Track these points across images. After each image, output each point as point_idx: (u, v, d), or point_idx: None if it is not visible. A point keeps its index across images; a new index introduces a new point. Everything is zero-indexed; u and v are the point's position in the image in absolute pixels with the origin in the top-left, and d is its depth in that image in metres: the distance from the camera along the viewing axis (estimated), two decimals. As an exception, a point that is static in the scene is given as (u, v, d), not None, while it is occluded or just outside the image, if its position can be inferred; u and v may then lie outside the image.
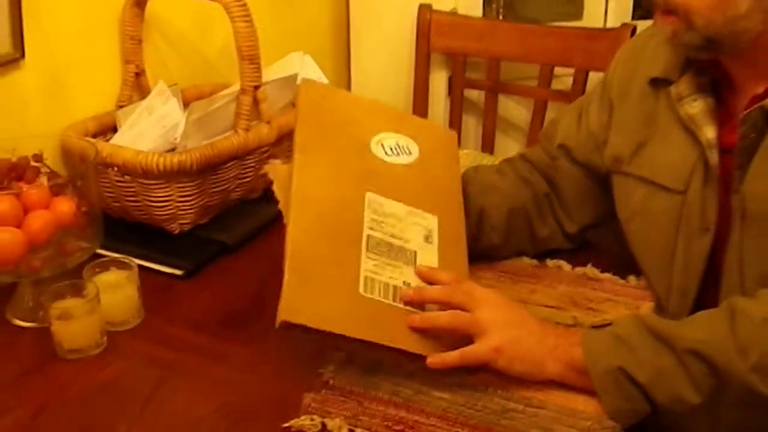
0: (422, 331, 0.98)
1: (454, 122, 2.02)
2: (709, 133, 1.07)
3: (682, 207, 1.11)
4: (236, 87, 1.38)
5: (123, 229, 1.31)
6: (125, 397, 1.02)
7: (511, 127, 2.13)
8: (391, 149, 1.14)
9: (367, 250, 1.02)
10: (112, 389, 1.03)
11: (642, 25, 1.58)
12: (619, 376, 0.95)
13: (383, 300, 0.98)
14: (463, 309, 0.99)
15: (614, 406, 0.95)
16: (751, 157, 1.03)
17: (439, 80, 2.05)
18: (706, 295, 1.11)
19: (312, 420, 0.94)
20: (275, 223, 1.40)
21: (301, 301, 0.94)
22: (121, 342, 1.11)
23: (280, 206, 1.07)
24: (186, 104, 1.45)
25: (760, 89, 1.03)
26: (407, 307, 0.99)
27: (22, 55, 1.27)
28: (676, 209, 1.12)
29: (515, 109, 2.11)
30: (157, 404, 1.00)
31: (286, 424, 0.94)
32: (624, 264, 1.24)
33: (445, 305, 0.99)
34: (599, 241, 1.31)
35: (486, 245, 1.25)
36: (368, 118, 1.18)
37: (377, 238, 1.04)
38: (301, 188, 1.05)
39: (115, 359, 1.08)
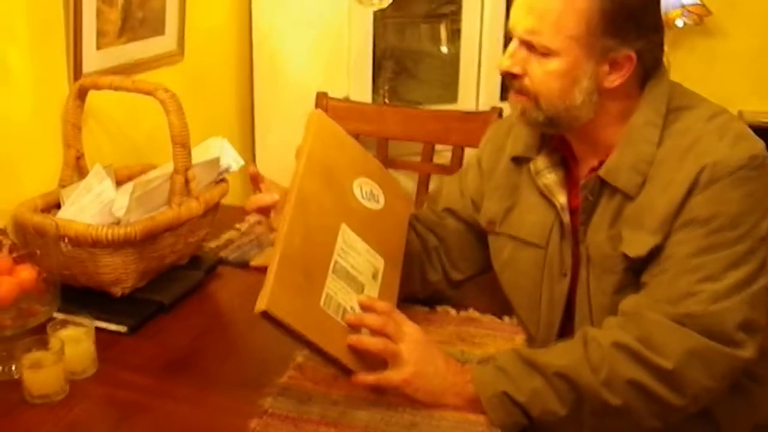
0: (355, 350, 1.20)
1: (350, 194, 2.28)
2: (561, 198, 1.37)
3: (545, 258, 1.40)
4: (166, 167, 1.59)
5: (72, 294, 1.46)
6: (87, 434, 1.21)
7: (399, 197, 2.41)
8: (366, 194, 1.37)
9: (333, 272, 1.23)
10: (79, 429, 1.21)
11: (507, 106, 1.90)
12: (503, 398, 1.20)
13: (334, 317, 1.20)
14: (390, 338, 1.22)
15: (500, 421, 1.20)
16: (591, 215, 1.32)
17: (335, 157, 2.32)
18: (566, 326, 1.39)
19: (258, 440, 1.15)
20: (201, 287, 1.64)
21: (282, 298, 1.14)
22: (82, 388, 1.29)
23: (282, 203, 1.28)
24: (119, 182, 1.65)
25: (596, 162, 1.33)
26: (349, 327, 1.21)
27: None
28: (540, 260, 1.40)
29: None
30: (119, 437, 1.19)
31: (237, 444, 1.15)
32: (498, 307, 1.51)
33: (377, 332, 1.22)
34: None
35: None
36: (357, 161, 1.40)
37: (341, 264, 1.25)
38: (299, 204, 1.23)
39: (78, 403, 1.26)
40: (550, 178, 1.38)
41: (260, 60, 2.29)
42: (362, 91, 2.37)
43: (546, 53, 1.25)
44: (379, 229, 1.37)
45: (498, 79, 2.51)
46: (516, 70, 1.28)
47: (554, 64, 1.25)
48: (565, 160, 1.39)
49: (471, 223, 1.51)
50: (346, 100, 2.30)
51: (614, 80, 1.27)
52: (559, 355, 1.22)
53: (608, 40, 1.23)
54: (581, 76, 1.25)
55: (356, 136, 2.26)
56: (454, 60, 2.67)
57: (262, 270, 1.48)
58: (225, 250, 1.79)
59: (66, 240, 1.44)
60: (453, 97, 2.57)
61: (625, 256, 1.27)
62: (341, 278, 1.24)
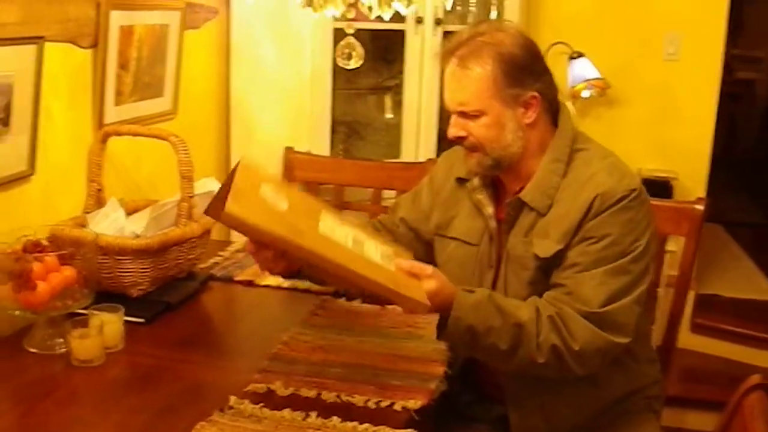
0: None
1: (311, 232, 2.70)
2: (489, 209, 1.79)
3: (477, 254, 1.81)
4: (172, 198, 2.00)
5: (98, 294, 1.84)
6: (125, 387, 1.59)
7: (352, 237, 2.84)
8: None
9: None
10: (116, 385, 1.59)
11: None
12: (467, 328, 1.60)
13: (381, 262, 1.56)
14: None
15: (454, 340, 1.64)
16: (512, 226, 1.75)
17: (299, 202, 2.75)
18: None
19: (261, 385, 1.54)
20: (197, 294, 2.02)
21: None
22: (114, 358, 1.66)
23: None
24: (127, 213, 2.05)
25: (517, 187, 1.76)
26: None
27: (33, 173, 1.85)
28: (474, 255, 1.82)
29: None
30: (149, 387, 1.56)
31: (245, 389, 1.53)
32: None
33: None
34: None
35: None
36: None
37: (357, 240, 1.57)
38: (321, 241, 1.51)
39: (113, 367, 1.63)
40: (481, 194, 1.81)
41: (236, 119, 2.73)
42: (321, 147, 2.81)
43: (477, 115, 1.69)
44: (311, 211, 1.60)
45: (434, 138, 2.99)
46: (461, 133, 1.71)
47: (484, 120, 1.69)
48: (494, 183, 1.83)
49: (418, 231, 1.94)
50: (309, 153, 2.74)
51: (530, 116, 1.70)
52: (523, 312, 1.61)
53: (514, 89, 1.68)
54: (505, 121, 1.69)
55: (317, 184, 2.71)
56: (396, 125, 3.14)
57: (245, 283, 1.92)
58: (213, 269, 2.18)
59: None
60: (396, 155, 3.03)
61: (536, 256, 1.69)
62: (360, 243, 1.57)
